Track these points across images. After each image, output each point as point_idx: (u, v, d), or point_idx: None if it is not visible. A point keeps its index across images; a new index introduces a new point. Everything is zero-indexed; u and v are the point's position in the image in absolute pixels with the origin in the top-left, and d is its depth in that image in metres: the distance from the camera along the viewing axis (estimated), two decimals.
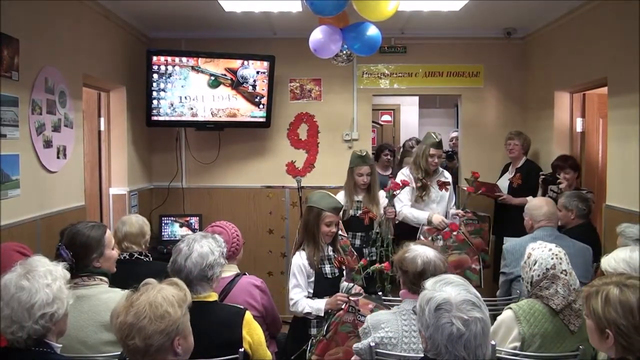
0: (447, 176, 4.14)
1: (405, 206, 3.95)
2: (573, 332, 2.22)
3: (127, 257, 2.94)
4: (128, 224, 3.03)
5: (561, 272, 2.26)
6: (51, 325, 1.68)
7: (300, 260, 2.98)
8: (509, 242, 3.07)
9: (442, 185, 3.99)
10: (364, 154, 3.87)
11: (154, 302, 1.62)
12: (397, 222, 3.89)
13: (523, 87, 5.21)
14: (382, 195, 3.87)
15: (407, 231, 3.87)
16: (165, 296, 1.65)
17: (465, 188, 4.08)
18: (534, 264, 2.31)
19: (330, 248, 3.09)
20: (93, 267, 2.31)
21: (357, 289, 2.86)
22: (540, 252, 2.32)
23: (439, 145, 3.98)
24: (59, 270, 1.76)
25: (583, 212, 3.51)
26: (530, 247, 2.42)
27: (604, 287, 1.63)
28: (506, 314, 2.30)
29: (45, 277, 1.70)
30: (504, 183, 4.56)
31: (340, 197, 3.76)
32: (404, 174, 4.04)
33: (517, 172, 4.40)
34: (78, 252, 2.27)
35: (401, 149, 5.94)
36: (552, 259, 2.28)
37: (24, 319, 1.63)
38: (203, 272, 2.20)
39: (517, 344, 2.21)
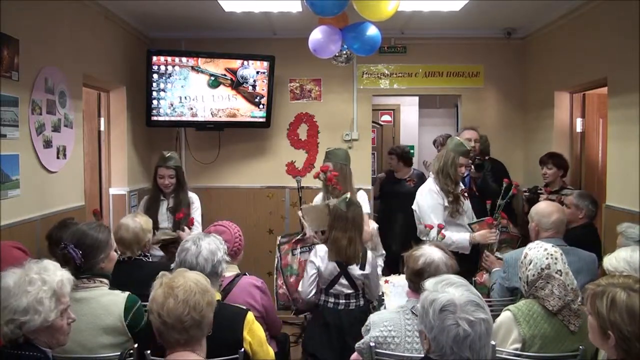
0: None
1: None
2: (573, 332, 2.20)
3: (127, 258, 2.89)
4: (124, 229, 2.92)
5: (556, 272, 2.24)
6: (21, 332, 1.64)
7: None
8: (510, 253, 2.96)
9: (462, 193, 3.62)
10: (328, 149, 3.79)
11: (195, 280, 1.73)
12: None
13: (523, 87, 5.21)
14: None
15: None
16: (197, 276, 1.77)
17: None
18: (529, 264, 2.30)
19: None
20: (100, 268, 2.27)
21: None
22: (536, 252, 2.31)
23: (469, 154, 3.61)
24: (55, 282, 1.71)
25: (592, 214, 3.53)
26: (527, 247, 2.41)
27: (610, 289, 1.62)
28: (505, 315, 2.27)
29: (32, 285, 1.66)
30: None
31: (318, 199, 3.74)
32: (433, 190, 3.51)
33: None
34: (86, 253, 2.22)
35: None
36: (547, 258, 2.27)
37: None
38: (214, 268, 2.22)
39: (518, 345, 2.19)
